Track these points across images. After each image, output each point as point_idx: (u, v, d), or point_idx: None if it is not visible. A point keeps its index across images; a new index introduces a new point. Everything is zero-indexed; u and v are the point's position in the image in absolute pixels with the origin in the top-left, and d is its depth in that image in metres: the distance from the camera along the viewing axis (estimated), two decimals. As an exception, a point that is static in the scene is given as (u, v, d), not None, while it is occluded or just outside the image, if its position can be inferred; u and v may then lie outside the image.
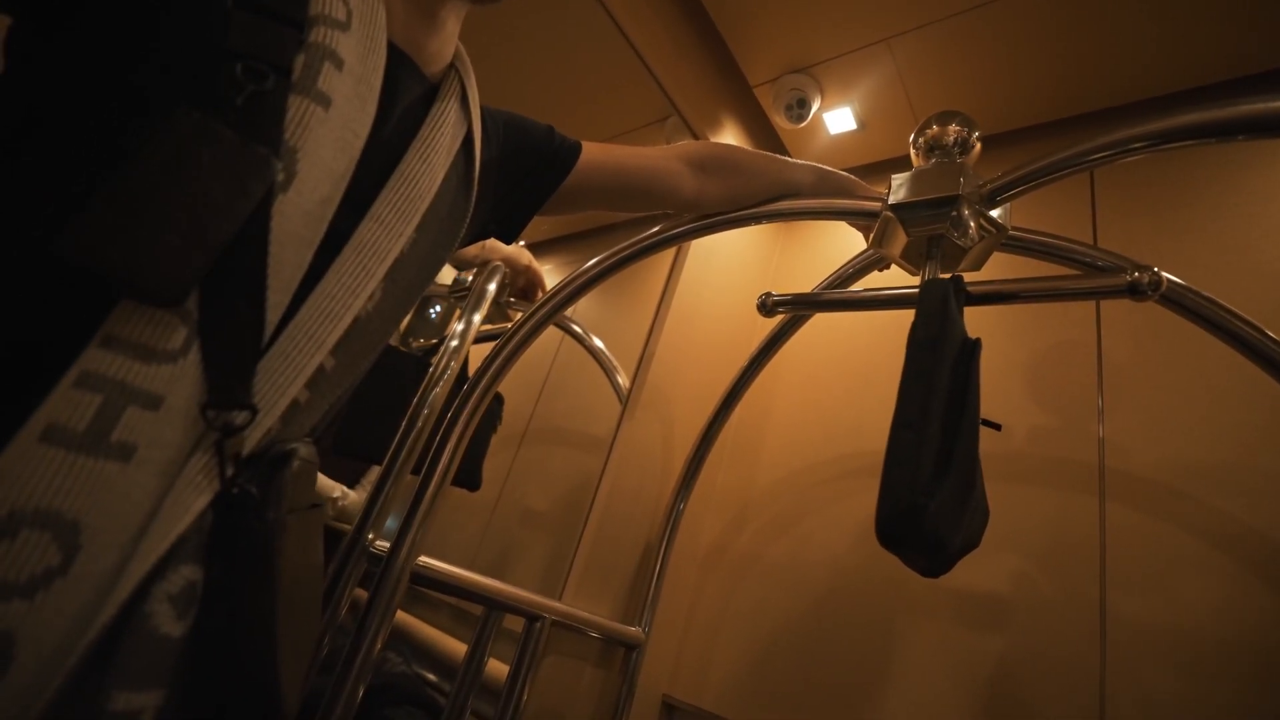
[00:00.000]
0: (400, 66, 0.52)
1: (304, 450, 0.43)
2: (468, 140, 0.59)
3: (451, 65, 0.60)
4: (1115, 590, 0.99)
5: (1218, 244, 1.17)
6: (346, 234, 0.46)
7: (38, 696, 0.31)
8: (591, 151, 0.77)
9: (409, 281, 0.53)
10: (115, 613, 0.33)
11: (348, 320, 0.45)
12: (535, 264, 1.20)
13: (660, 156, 0.84)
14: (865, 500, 1.29)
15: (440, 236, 0.57)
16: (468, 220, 0.61)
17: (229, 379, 0.38)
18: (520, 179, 0.72)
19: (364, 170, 0.46)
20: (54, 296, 0.35)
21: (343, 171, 0.44)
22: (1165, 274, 0.76)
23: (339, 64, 0.43)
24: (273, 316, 0.40)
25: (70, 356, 0.33)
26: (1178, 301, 0.81)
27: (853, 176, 0.91)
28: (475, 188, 0.60)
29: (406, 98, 0.53)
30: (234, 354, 0.38)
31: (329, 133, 0.42)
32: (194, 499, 0.36)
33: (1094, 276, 0.81)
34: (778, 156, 0.92)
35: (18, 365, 0.34)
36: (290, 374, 0.41)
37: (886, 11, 1.38)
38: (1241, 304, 0.82)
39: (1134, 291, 0.73)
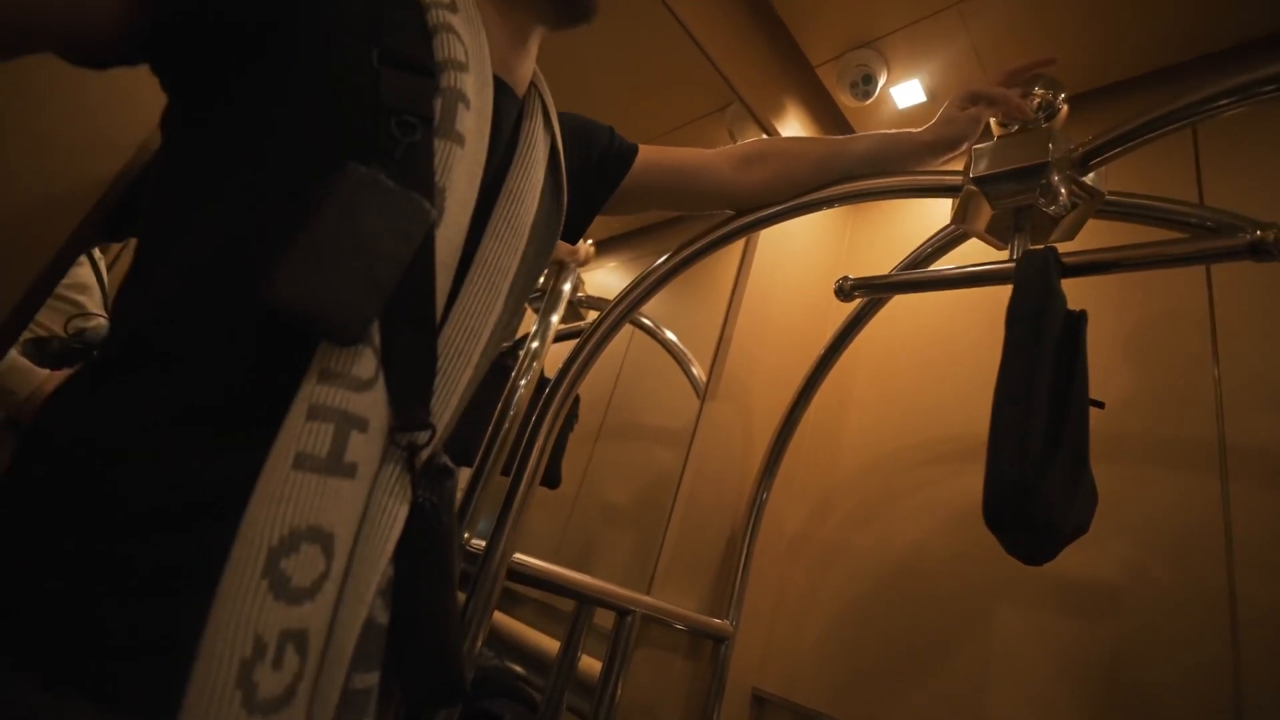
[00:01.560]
0: (500, 92, 0.56)
1: (449, 460, 0.48)
2: (554, 152, 0.62)
3: (531, 82, 0.63)
4: (1245, 575, 0.91)
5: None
6: (470, 253, 0.49)
7: (328, 681, 0.37)
8: (647, 153, 0.80)
9: (520, 291, 0.57)
10: (368, 608, 0.39)
11: (486, 334, 0.49)
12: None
13: (709, 155, 0.86)
14: (953, 486, 1.24)
15: (542, 246, 0.60)
16: (560, 228, 0.65)
17: (412, 403, 0.43)
18: (584, 181, 0.75)
19: (480, 194, 0.49)
20: (256, 343, 0.40)
21: (472, 200, 0.48)
22: (1290, 230, 0.69)
23: (468, 103, 0.47)
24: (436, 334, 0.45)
25: (279, 392, 0.38)
26: (1307, 259, 0.74)
27: (913, 132, 0.86)
28: (565, 196, 0.64)
29: (506, 118, 0.57)
30: (413, 380, 0.43)
31: (464, 168, 0.46)
32: (397, 508, 0.41)
33: (1206, 238, 0.75)
34: (830, 138, 0.90)
35: (243, 402, 0.40)
36: (450, 389, 0.46)
37: (953, -24, 1.32)
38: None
39: (1256, 252, 0.67)
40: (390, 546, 0.40)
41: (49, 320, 1.06)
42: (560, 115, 0.72)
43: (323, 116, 0.42)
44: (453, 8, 0.51)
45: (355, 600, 0.38)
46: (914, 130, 0.86)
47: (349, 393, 0.39)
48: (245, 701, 0.33)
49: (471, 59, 0.49)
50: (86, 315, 1.10)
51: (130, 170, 0.65)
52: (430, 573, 0.44)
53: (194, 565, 0.35)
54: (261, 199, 0.41)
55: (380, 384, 0.41)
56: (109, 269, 1.19)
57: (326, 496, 0.37)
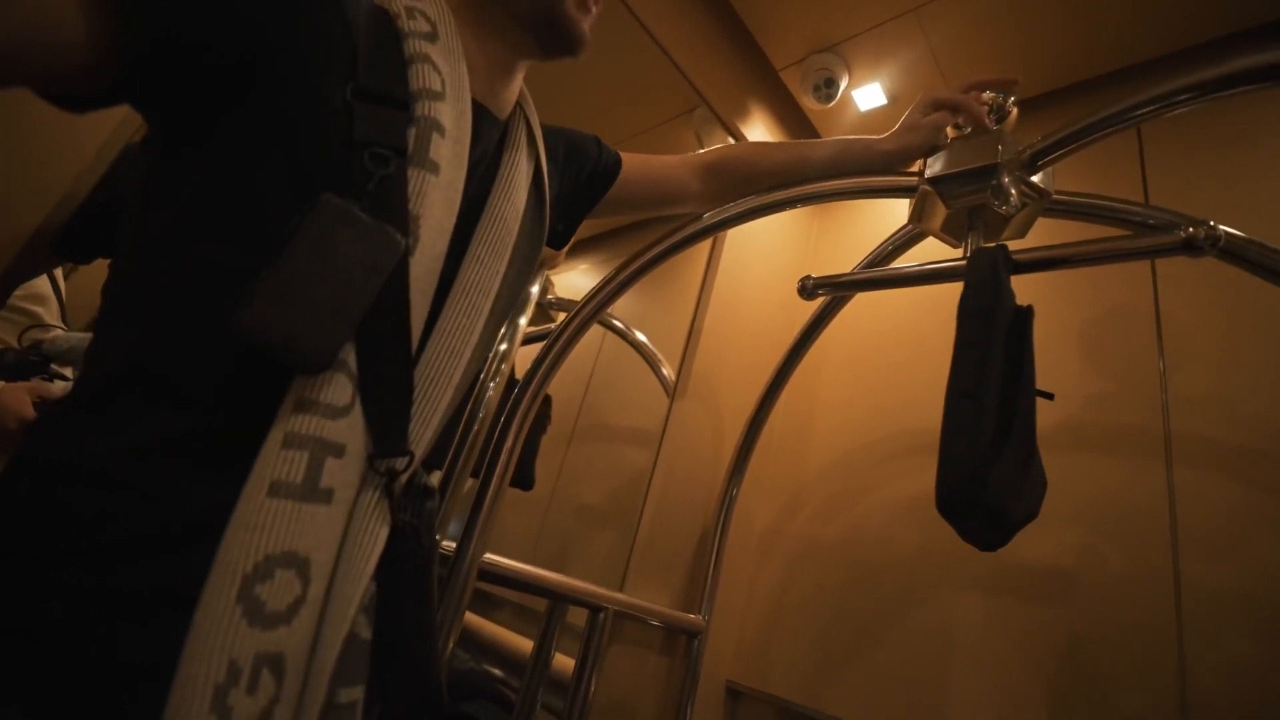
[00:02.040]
0: (480, 117, 0.57)
1: (428, 481, 0.49)
2: (537, 173, 0.63)
3: (517, 103, 0.64)
4: (1189, 557, 0.96)
5: (1276, 194, 1.12)
6: (451, 276, 0.50)
7: (310, 701, 0.38)
8: (626, 163, 0.82)
9: (501, 311, 0.58)
10: (349, 627, 0.40)
11: (467, 355, 0.50)
12: None
13: (675, 164, 0.89)
14: (918, 479, 1.28)
15: (523, 265, 0.61)
16: (542, 247, 0.66)
17: (389, 430, 0.44)
18: (573, 196, 0.78)
19: (460, 218, 0.50)
20: (236, 372, 0.41)
21: (449, 225, 0.49)
22: (1223, 227, 0.73)
23: (442, 132, 0.48)
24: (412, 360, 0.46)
25: (260, 419, 0.39)
26: (1238, 254, 0.78)
27: (872, 140, 0.88)
28: (548, 215, 0.65)
29: (485, 144, 0.58)
30: (391, 407, 0.44)
31: (440, 195, 0.47)
32: (378, 530, 0.43)
33: (1146, 235, 0.79)
34: (791, 144, 0.92)
35: (221, 432, 0.41)
36: (430, 412, 0.47)
37: (910, -19, 1.36)
38: (1307, 253, 0.78)
39: (1189, 248, 0.70)
40: (371, 567, 0.41)
41: (4, 332, 1.03)
42: (552, 130, 0.74)
43: (297, 152, 0.43)
44: (431, 37, 0.51)
45: (338, 619, 0.39)
46: (876, 139, 0.88)
47: (324, 420, 0.40)
48: None
49: (448, 87, 0.50)
50: (44, 327, 1.07)
51: (84, 182, 0.64)
52: (411, 590, 0.46)
53: (175, 592, 0.36)
54: (239, 233, 0.42)
55: (357, 410, 0.42)
56: (65, 279, 1.16)
57: (302, 522, 0.38)
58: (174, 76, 0.42)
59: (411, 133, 0.46)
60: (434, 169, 0.47)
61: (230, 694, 0.34)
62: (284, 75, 0.43)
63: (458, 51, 0.53)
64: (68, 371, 1.01)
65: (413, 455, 0.44)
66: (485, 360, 0.59)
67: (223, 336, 0.38)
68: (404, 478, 0.44)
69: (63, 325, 1.12)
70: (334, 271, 0.39)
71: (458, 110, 0.51)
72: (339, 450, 0.41)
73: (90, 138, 0.65)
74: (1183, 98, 0.69)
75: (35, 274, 1.06)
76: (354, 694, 0.42)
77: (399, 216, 0.44)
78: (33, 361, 0.99)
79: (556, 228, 0.78)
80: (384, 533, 0.43)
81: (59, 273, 1.14)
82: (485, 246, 0.53)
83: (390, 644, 0.44)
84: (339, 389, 0.41)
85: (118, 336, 0.44)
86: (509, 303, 0.60)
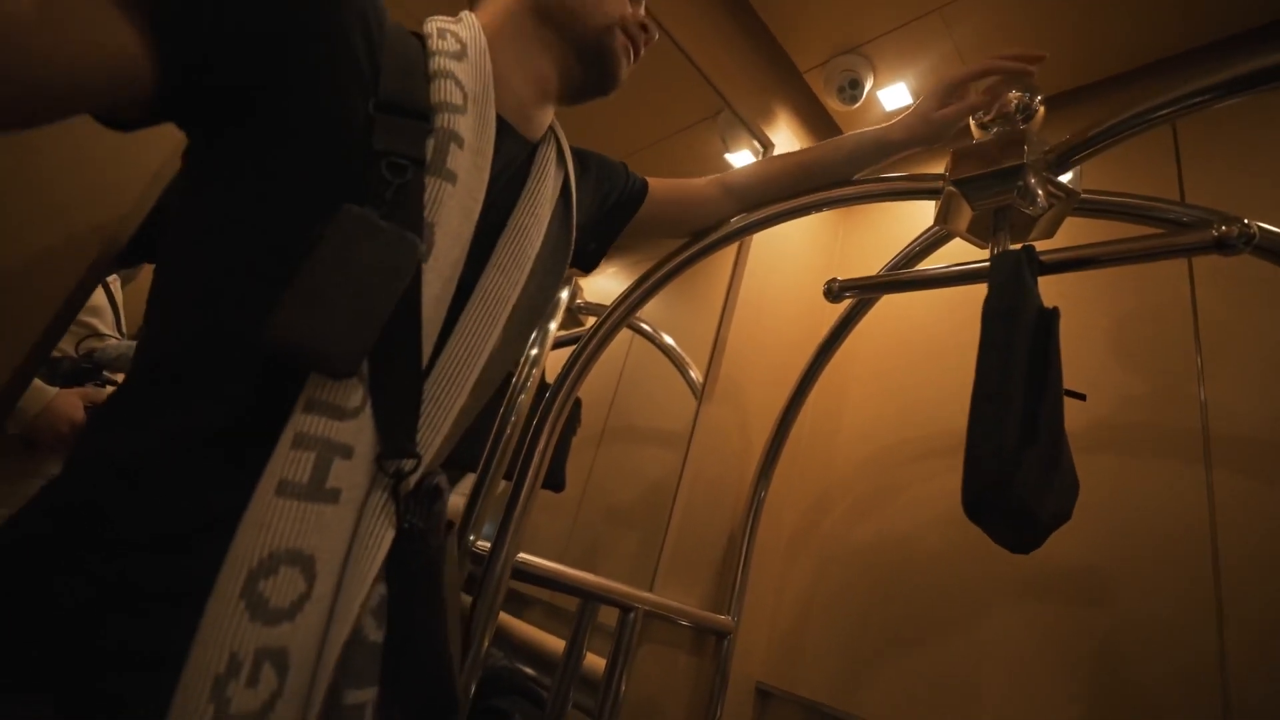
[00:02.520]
0: (506, 134, 0.59)
1: (442, 480, 0.50)
2: (565, 191, 0.66)
3: (550, 126, 0.67)
4: (1230, 560, 0.94)
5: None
6: (471, 284, 0.53)
7: (312, 698, 0.39)
8: (653, 187, 0.85)
9: (523, 321, 0.60)
10: (351, 627, 0.41)
11: (482, 362, 0.51)
12: None
13: (705, 184, 0.91)
14: (948, 480, 1.27)
15: (547, 278, 0.63)
16: (569, 260, 0.68)
17: (398, 432, 0.45)
18: (601, 221, 0.80)
19: (481, 228, 0.52)
20: (260, 375, 0.43)
21: (468, 234, 0.51)
22: (1259, 223, 0.72)
23: (461, 143, 0.50)
24: (422, 363, 0.47)
25: (279, 420, 0.41)
26: (1276, 251, 0.77)
27: (884, 130, 0.88)
28: (574, 232, 0.67)
29: (512, 160, 0.60)
30: (399, 409, 0.45)
31: (457, 204, 0.49)
32: (383, 532, 0.44)
33: (1177, 234, 0.78)
34: (806, 152, 0.93)
35: (240, 432, 0.42)
36: (441, 417, 0.48)
37: (935, -19, 1.35)
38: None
39: (1222, 246, 0.70)
40: (375, 568, 0.43)
41: (62, 342, 1.09)
42: (584, 154, 0.76)
43: (321, 163, 0.45)
44: (459, 55, 0.54)
45: (342, 618, 0.41)
46: (887, 129, 0.87)
47: (332, 421, 0.42)
48: (217, 715, 0.35)
49: (471, 102, 0.52)
50: (99, 336, 1.13)
51: (145, 202, 0.68)
52: (421, 593, 0.47)
53: (191, 587, 0.37)
54: (264, 242, 0.44)
55: (367, 412, 0.43)
56: (123, 288, 1.22)
57: (307, 521, 0.40)
58: (209, 96, 0.44)
59: (430, 143, 0.48)
60: (451, 178, 0.49)
61: (229, 685, 0.36)
62: (312, 91, 0.45)
63: (485, 70, 0.55)
64: (119, 378, 1.07)
65: (420, 458, 0.46)
66: (513, 366, 0.61)
67: (246, 340, 0.40)
68: (412, 480, 0.46)
69: (117, 334, 1.18)
70: (357, 278, 0.41)
71: (479, 124, 0.53)
72: (346, 451, 0.42)
73: (153, 158, 0.69)
74: (1206, 97, 0.69)
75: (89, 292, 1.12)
76: (363, 696, 0.43)
77: (414, 223, 0.46)
78: (85, 369, 1.05)
79: (588, 248, 0.81)
80: (389, 534, 0.44)
81: (116, 284, 1.20)
82: (507, 256, 0.55)
83: (400, 645, 0.45)
84: (349, 391, 0.42)
85: (153, 337, 0.46)
86: (531, 313, 0.61)
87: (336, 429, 0.42)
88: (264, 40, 0.43)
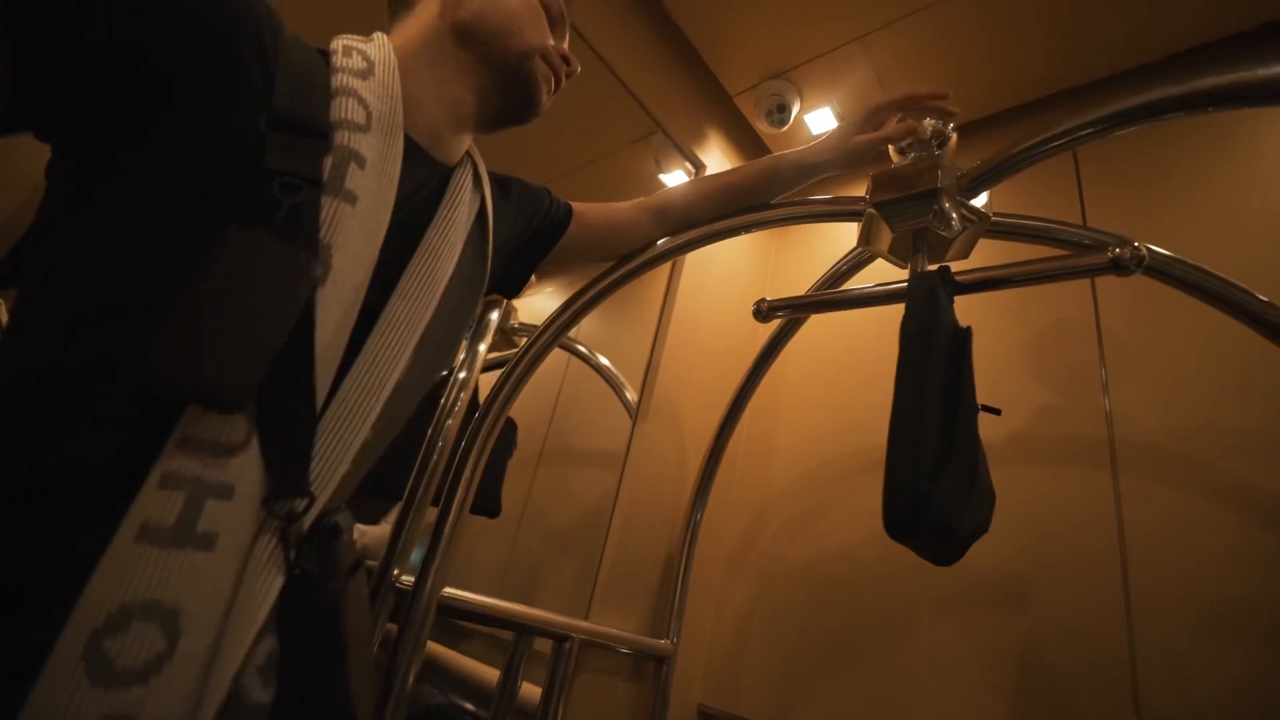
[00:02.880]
0: (417, 157, 0.57)
1: (344, 520, 0.46)
2: (481, 215, 0.64)
3: (466, 151, 0.65)
4: (1136, 560, 0.99)
5: (1208, 209, 1.18)
6: (377, 310, 0.49)
7: None
8: (579, 212, 0.84)
9: (434, 349, 0.57)
10: (228, 690, 0.37)
11: (387, 393, 0.48)
12: None
13: (630, 208, 0.91)
14: (877, 495, 1.29)
15: (460, 305, 0.61)
16: (484, 287, 0.66)
17: (288, 469, 0.41)
18: (523, 245, 0.78)
19: (387, 252, 0.49)
20: (132, 409, 0.39)
21: (371, 257, 0.48)
22: (1149, 246, 0.77)
23: (361, 163, 0.47)
24: (319, 396, 0.43)
25: (151, 458, 0.36)
26: (1164, 272, 0.83)
27: (802, 154, 0.91)
28: (490, 257, 0.65)
29: (424, 183, 0.58)
30: (291, 445, 0.41)
31: (358, 225, 0.46)
32: (271, 580, 0.40)
33: (1079, 256, 0.82)
34: (728, 174, 0.95)
35: (107, 472, 0.37)
36: (340, 452, 0.44)
37: (856, 11, 1.41)
38: (1235, 267, 0.83)
39: (1117, 267, 0.74)
40: (259, 620, 0.39)
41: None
42: (503, 179, 0.75)
43: (204, 181, 0.42)
44: (364, 74, 0.52)
45: (216, 679, 0.36)
46: (805, 152, 0.90)
47: (208, 459, 0.38)
48: None
49: (374, 121, 0.50)
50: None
51: (23, 215, 0.63)
52: (318, 644, 0.42)
53: (28, 652, 0.33)
54: (139, 265, 0.40)
55: (253, 449, 0.39)
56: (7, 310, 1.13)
57: (171, 570, 0.35)
58: (74, 94, 0.40)
59: (327, 161, 0.46)
60: (350, 199, 0.46)
61: None
62: (196, 103, 0.42)
63: (393, 89, 0.53)
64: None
65: (313, 497, 0.42)
66: (415, 400, 0.58)
67: (114, 374, 0.36)
68: (306, 521, 0.42)
69: None
70: (243, 305, 0.38)
71: (384, 144, 0.50)
72: (224, 490, 0.38)
73: (34, 167, 0.64)
74: (1100, 126, 0.73)
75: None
76: None
77: (309, 245, 0.43)
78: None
79: (511, 273, 0.80)
80: (276, 583, 0.40)
81: (1, 307, 1.11)
82: (415, 282, 0.52)
83: (291, 706, 0.41)
84: (231, 425, 0.38)
85: (11, 359, 0.41)
86: (444, 341, 0.59)
87: (212, 467, 0.38)
88: (134, 55, 0.40)
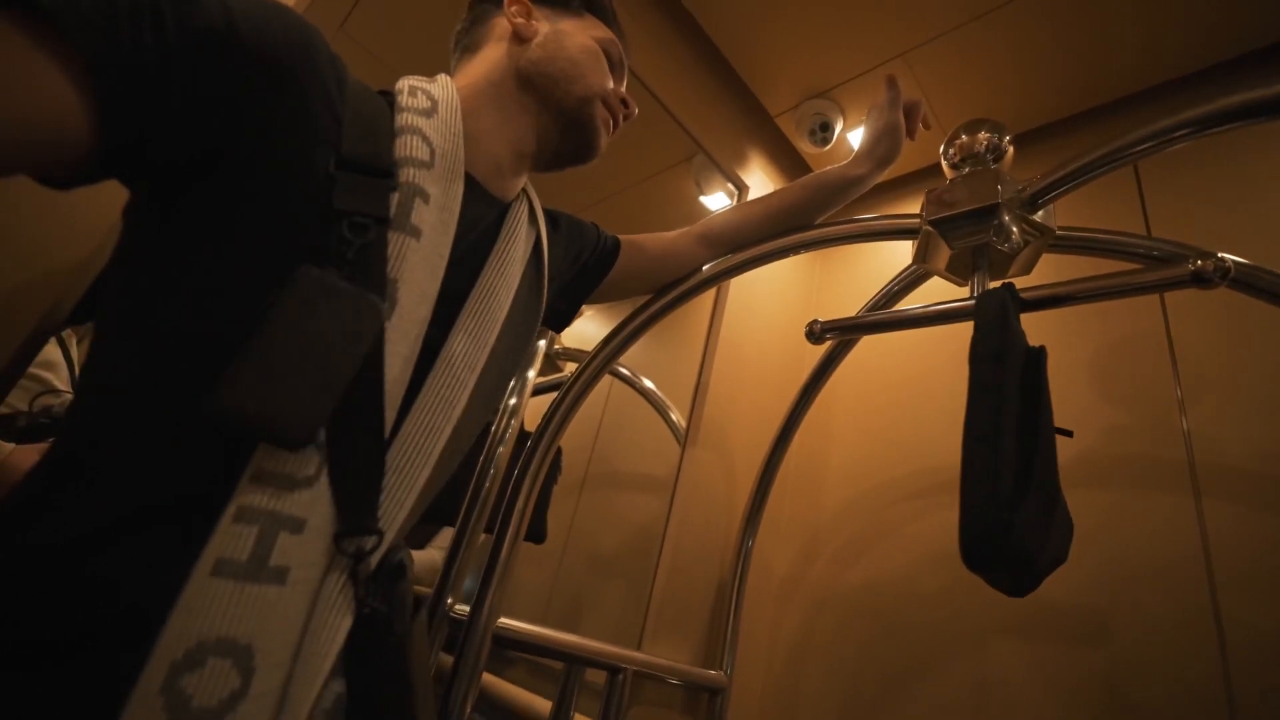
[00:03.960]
0: (476, 193, 0.58)
1: (405, 556, 0.46)
2: (536, 250, 0.65)
3: (522, 189, 0.67)
4: (1227, 592, 0.92)
5: (1274, 216, 1.12)
6: (437, 346, 0.50)
7: None
8: (627, 245, 0.85)
9: (492, 385, 0.57)
10: None
11: (449, 431, 0.48)
12: None
13: (676, 238, 0.92)
14: (938, 519, 1.25)
15: (515, 341, 0.61)
16: (539, 322, 0.67)
17: (358, 506, 0.41)
18: (573, 280, 0.79)
19: (447, 286, 0.50)
20: (208, 444, 0.40)
21: (433, 291, 0.49)
22: (1230, 257, 0.73)
23: (426, 198, 0.48)
24: (386, 432, 0.44)
25: (228, 493, 0.37)
26: (1249, 283, 0.78)
27: (844, 167, 0.92)
28: (545, 293, 0.66)
29: (480, 218, 0.59)
30: (360, 482, 0.41)
31: (421, 259, 0.47)
32: (339, 620, 0.39)
33: (1154, 269, 0.79)
34: (771, 196, 0.95)
35: (187, 507, 0.38)
36: (406, 489, 0.44)
37: (898, 28, 1.39)
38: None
39: (1199, 281, 0.70)
40: (328, 663, 0.38)
41: (14, 398, 1.04)
42: (553, 214, 0.76)
43: (278, 224, 0.43)
44: (428, 113, 0.53)
45: None
46: (847, 165, 0.92)
47: (280, 492, 0.38)
48: None
49: (438, 158, 0.51)
50: (55, 393, 1.08)
51: (98, 259, 0.65)
52: (386, 687, 0.42)
53: (116, 689, 0.33)
54: (216, 307, 0.41)
55: (323, 484, 0.39)
56: (78, 344, 1.17)
57: (244, 605, 0.35)
58: (156, 151, 0.41)
59: (394, 198, 0.47)
60: (415, 233, 0.47)
61: None
62: (265, 147, 0.43)
63: (456, 128, 0.54)
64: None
65: (382, 535, 0.42)
66: (472, 437, 0.58)
67: (191, 410, 0.37)
68: (374, 560, 0.42)
69: (72, 390, 1.13)
70: (315, 344, 0.38)
71: (446, 180, 0.51)
72: (296, 525, 0.38)
73: (112, 208, 0.67)
74: (1177, 135, 0.70)
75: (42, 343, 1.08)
76: None
77: (377, 284, 0.44)
78: (43, 424, 1.00)
79: (558, 307, 0.80)
80: (346, 623, 0.39)
81: (71, 339, 1.16)
82: (474, 319, 0.53)
83: None
84: (301, 460, 0.39)
85: (88, 403, 0.42)
86: (499, 378, 0.59)
87: (285, 500, 0.38)
88: (214, 105, 0.41)
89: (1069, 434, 0.73)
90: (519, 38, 0.65)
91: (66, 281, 0.63)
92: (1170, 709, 0.90)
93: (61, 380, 1.11)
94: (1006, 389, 0.63)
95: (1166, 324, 1.15)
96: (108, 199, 0.66)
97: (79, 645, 0.35)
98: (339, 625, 0.39)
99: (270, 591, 0.36)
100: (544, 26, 0.67)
